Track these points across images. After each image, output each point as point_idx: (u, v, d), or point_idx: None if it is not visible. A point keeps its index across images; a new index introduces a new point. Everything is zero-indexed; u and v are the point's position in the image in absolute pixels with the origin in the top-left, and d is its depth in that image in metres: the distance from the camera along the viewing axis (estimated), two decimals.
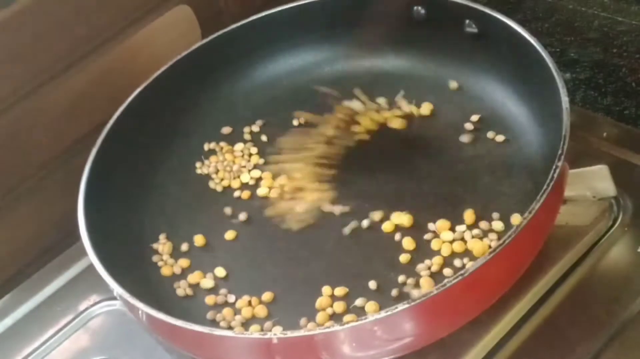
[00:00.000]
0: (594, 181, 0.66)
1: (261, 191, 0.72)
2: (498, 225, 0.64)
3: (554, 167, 0.57)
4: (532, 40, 0.66)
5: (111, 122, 0.71)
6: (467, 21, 0.71)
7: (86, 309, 0.71)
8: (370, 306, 0.61)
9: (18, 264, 0.76)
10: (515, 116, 0.71)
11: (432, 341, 0.59)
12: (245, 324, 0.63)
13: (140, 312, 0.59)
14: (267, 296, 0.64)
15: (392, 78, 0.77)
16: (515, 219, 0.64)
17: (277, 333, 0.56)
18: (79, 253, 0.72)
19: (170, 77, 0.74)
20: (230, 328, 0.63)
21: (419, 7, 0.73)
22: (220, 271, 0.67)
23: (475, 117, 0.72)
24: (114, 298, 0.70)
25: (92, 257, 0.62)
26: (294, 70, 0.79)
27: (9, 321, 0.72)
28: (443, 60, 0.75)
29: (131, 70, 0.74)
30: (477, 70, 0.73)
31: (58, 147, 0.77)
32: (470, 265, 0.56)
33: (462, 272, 0.54)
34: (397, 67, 0.77)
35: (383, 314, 0.53)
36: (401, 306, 0.53)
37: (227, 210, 0.71)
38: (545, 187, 0.57)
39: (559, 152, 0.58)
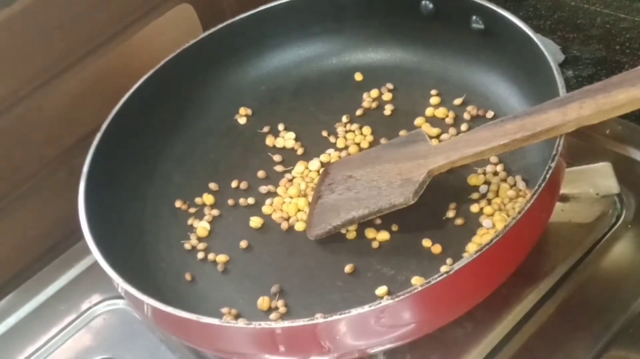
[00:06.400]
0: (597, 179, 0.66)
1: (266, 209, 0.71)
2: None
3: (546, 168, 0.57)
4: (535, 38, 0.66)
5: (111, 115, 0.71)
6: (474, 17, 0.71)
7: (89, 308, 0.71)
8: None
9: (20, 264, 0.76)
10: None
11: (429, 331, 0.59)
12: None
13: (145, 306, 0.59)
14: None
15: (398, 71, 0.77)
16: (500, 222, 0.64)
17: (280, 322, 0.56)
18: (81, 252, 0.73)
19: (174, 68, 0.75)
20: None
21: (427, 2, 0.73)
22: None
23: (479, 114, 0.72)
24: (117, 297, 0.70)
25: (96, 253, 0.62)
26: (302, 60, 0.79)
27: (12, 320, 0.72)
28: (449, 56, 0.75)
29: (132, 70, 0.74)
30: (483, 66, 0.73)
31: (59, 147, 0.77)
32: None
33: (447, 270, 0.54)
34: (403, 60, 0.77)
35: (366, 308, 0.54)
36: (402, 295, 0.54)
37: (231, 202, 0.72)
38: (536, 187, 0.56)
39: (553, 153, 0.58)
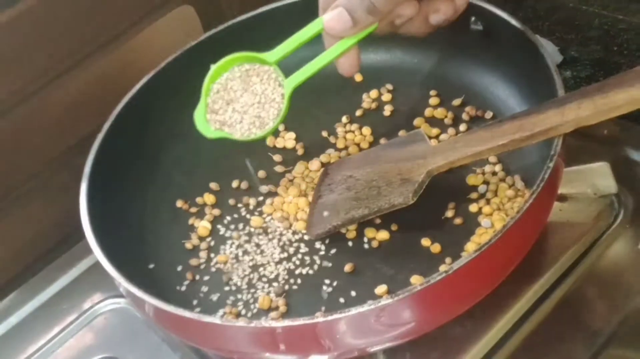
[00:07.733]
0: (595, 179, 0.67)
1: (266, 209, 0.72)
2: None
3: (545, 168, 0.57)
4: (533, 39, 0.66)
5: (112, 116, 0.71)
6: (473, 18, 0.71)
7: (91, 307, 0.72)
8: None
9: (22, 263, 0.76)
10: None
11: (429, 330, 0.59)
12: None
13: (146, 305, 0.59)
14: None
15: (397, 72, 0.77)
16: (499, 221, 0.64)
17: (281, 321, 0.57)
18: (83, 252, 0.73)
19: (175, 69, 0.75)
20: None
21: None
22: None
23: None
24: (118, 296, 0.71)
25: (98, 253, 0.62)
26: (302, 61, 0.79)
27: (14, 319, 0.73)
28: (449, 56, 0.75)
29: (134, 71, 0.74)
30: (482, 67, 0.74)
31: (60, 148, 0.77)
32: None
33: (446, 269, 0.54)
34: (403, 61, 0.78)
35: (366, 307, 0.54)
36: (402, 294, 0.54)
37: (231, 201, 0.72)
38: (535, 187, 0.57)
39: (552, 153, 0.58)
